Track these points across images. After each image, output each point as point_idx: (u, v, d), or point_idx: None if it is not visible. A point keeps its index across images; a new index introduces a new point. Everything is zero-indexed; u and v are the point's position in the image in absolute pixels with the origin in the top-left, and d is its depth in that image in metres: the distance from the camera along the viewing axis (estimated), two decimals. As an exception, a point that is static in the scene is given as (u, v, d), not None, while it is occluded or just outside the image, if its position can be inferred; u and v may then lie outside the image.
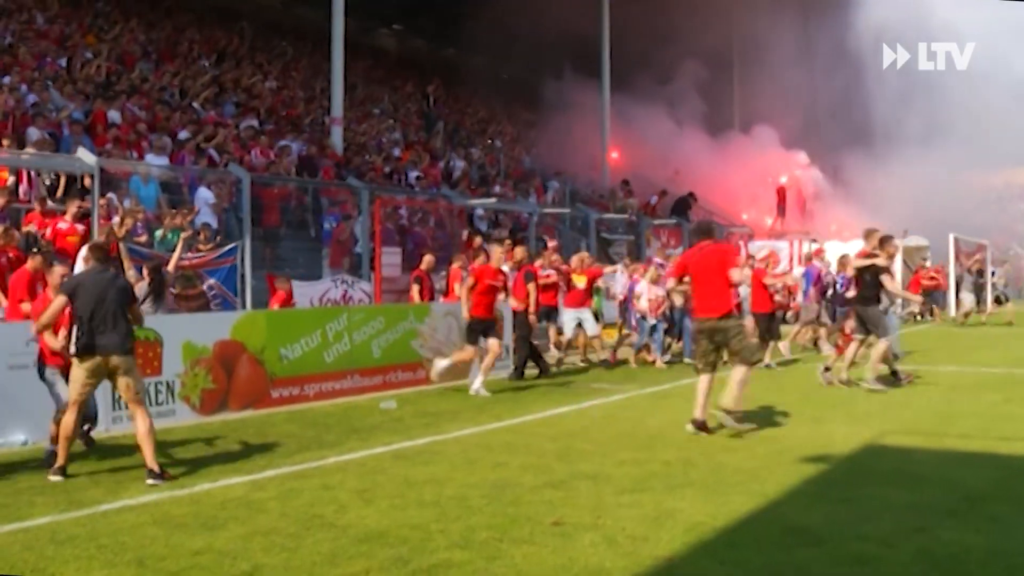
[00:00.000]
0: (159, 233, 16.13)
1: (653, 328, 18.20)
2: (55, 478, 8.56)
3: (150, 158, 18.25)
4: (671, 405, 13.25)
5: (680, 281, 11.68)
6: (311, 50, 32.96)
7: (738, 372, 10.88)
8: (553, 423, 11.84)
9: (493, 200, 26.35)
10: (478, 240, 20.08)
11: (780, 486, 8.18)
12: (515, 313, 16.56)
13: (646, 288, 18.31)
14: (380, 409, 12.87)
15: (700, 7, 36.54)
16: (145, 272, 13.62)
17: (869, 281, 14.53)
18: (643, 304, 18.21)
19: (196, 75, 25.31)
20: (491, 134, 38.20)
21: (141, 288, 13.13)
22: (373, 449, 10.06)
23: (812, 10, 40.65)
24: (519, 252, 17.80)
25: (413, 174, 26.52)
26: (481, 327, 14.62)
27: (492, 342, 14.64)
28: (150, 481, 8.53)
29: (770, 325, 17.97)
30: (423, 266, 17.54)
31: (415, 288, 17.26)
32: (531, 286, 16.37)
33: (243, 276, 16.72)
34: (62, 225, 14.65)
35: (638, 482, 8.33)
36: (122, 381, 8.96)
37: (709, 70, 41.17)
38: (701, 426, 10.75)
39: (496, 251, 15.40)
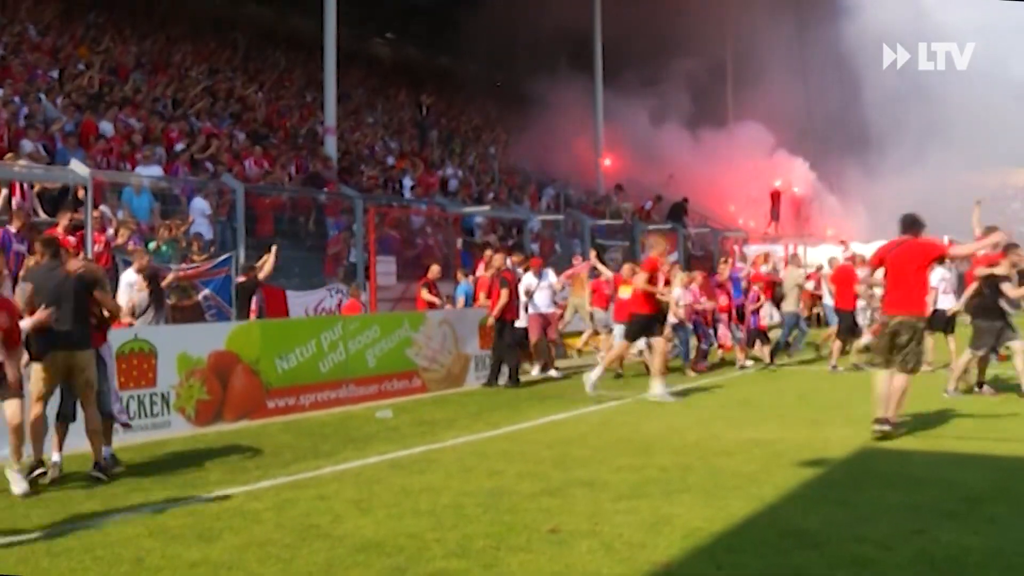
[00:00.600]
0: (153, 244, 16.10)
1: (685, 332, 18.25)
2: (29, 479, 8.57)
3: (143, 169, 18.23)
4: (667, 410, 13.25)
5: (873, 274, 11.48)
6: (304, 60, 33.02)
7: (899, 380, 10.67)
8: (549, 430, 11.82)
9: (487, 207, 26.33)
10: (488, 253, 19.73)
11: (777, 489, 8.16)
12: (499, 320, 16.52)
13: (680, 294, 18.16)
14: (376, 418, 12.85)
15: (696, 13, 36.60)
16: (143, 283, 13.60)
17: (988, 292, 13.69)
18: (680, 311, 18.05)
19: (189, 86, 25.30)
20: (485, 141, 38.23)
21: (142, 298, 13.11)
22: (369, 458, 10.03)
23: (808, 15, 40.72)
24: (497, 259, 17.59)
25: (407, 183, 26.52)
26: (646, 323, 14.35)
27: (657, 341, 14.44)
28: (94, 473, 8.81)
29: (854, 323, 18.07)
30: (430, 275, 17.67)
31: (424, 292, 17.52)
32: (504, 291, 16.35)
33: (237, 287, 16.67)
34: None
35: (635, 488, 8.30)
36: (81, 378, 9.03)
37: (704, 75, 41.22)
38: (884, 422, 10.52)
39: (661, 243, 15.05)
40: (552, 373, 17.71)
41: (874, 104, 40.21)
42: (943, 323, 16.64)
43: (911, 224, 11.14)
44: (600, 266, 19.63)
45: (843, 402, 13.68)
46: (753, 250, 26.36)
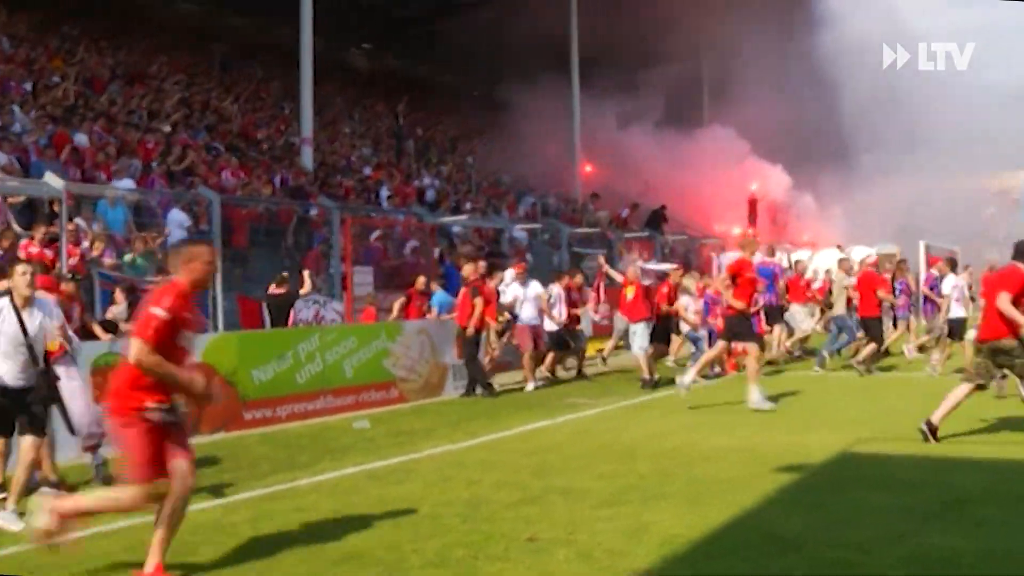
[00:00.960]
0: (128, 257, 16.02)
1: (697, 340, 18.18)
2: None
3: (118, 181, 18.13)
4: (646, 418, 13.24)
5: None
6: (281, 70, 32.92)
7: None
8: (528, 439, 11.79)
9: (465, 217, 26.32)
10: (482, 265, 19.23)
11: (758, 495, 8.14)
12: (463, 330, 16.42)
13: (690, 301, 18.06)
14: (353, 429, 12.79)
15: (673, 22, 36.67)
16: (120, 295, 13.53)
17: None
18: (691, 317, 17.98)
19: (165, 97, 25.21)
20: (463, 150, 38.24)
21: (120, 311, 13.04)
22: (346, 469, 9.98)
23: (786, 23, 40.83)
24: (467, 269, 17.27)
25: (384, 193, 26.48)
26: (742, 322, 14.02)
27: (751, 347, 14.03)
28: (45, 489, 8.58)
29: (881, 329, 18.06)
30: (417, 286, 17.68)
31: (398, 304, 17.86)
32: (477, 300, 16.30)
33: (214, 298, 16.62)
34: (32, 250, 14.48)
35: (614, 496, 8.27)
36: None
37: (680, 82, 41.28)
38: (931, 429, 10.38)
39: (752, 244, 14.78)
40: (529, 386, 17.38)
41: (852, 111, 40.32)
42: (957, 331, 16.65)
43: (1020, 252, 10.79)
44: (612, 272, 19.56)
45: (824, 407, 13.71)
46: (730, 257, 26.32)
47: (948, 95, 38.33)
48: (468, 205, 29.08)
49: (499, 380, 17.23)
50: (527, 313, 17.58)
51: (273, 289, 16.49)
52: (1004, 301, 10.23)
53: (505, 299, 17.75)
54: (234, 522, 7.76)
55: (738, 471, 9.19)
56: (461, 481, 9.14)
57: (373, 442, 11.76)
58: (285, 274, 16.47)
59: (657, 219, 34.27)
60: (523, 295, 17.67)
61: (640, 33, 36.33)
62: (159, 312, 6.19)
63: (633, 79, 39.14)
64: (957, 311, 16.90)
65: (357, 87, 38.66)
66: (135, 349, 6.14)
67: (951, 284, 17.28)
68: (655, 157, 38.83)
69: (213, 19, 34.66)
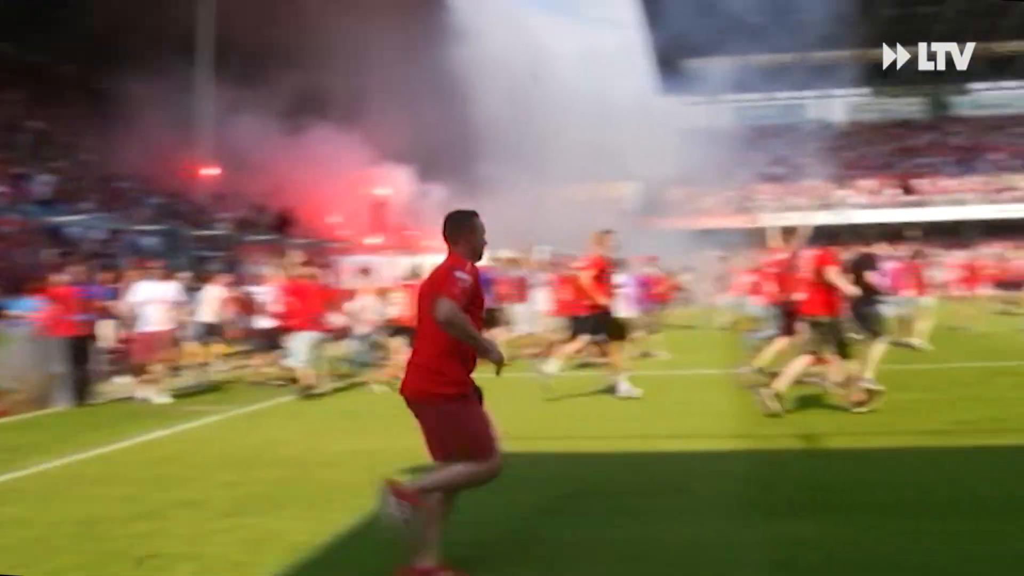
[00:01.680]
0: None
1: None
2: None
3: None
4: (269, 423, 13.11)
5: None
6: None
7: (798, 363, 11.78)
8: (146, 449, 11.35)
9: (81, 217, 25.09)
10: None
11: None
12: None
13: (372, 303, 17.38)
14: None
15: (304, 25, 36.61)
16: None
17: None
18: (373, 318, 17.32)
19: None
20: (82, 147, 36.42)
21: None
22: (-58, 491, 9.23)
23: (422, 35, 41.66)
24: (69, 273, 16.28)
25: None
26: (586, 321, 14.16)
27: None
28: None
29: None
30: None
31: None
32: (58, 307, 15.51)
33: None
34: None
35: (237, 505, 8.11)
36: None
37: (312, 86, 41.22)
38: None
39: (604, 241, 14.36)
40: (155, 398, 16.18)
41: (480, 123, 41.73)
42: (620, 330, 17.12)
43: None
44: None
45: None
46: (354, 261, 26.48)
47: (569, 111, 40.66)
48: (85, 204, 27.73)
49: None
50: (154, 317, 16.11)
51: None
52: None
53: (134, 298, 16.39)
54: None
55: (361, 476, 9.18)
56: (74, 498, 8.67)
57: (-27, 460, 10.93)
58: None
59: (282, 222, 34.06)
60: (152, 297, 16.43)
61: (272, 35, 36.05)
62: (463, 276, 5.85)
63: (263, 80, 38.70)
64: (626, 309, 17.28)
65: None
66: (447, 307, 5.71)
67: (620, 281, 17.18)
68: (283, 160, 38.62)
69: None
